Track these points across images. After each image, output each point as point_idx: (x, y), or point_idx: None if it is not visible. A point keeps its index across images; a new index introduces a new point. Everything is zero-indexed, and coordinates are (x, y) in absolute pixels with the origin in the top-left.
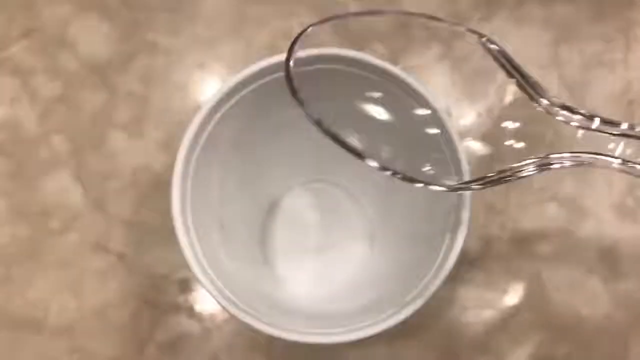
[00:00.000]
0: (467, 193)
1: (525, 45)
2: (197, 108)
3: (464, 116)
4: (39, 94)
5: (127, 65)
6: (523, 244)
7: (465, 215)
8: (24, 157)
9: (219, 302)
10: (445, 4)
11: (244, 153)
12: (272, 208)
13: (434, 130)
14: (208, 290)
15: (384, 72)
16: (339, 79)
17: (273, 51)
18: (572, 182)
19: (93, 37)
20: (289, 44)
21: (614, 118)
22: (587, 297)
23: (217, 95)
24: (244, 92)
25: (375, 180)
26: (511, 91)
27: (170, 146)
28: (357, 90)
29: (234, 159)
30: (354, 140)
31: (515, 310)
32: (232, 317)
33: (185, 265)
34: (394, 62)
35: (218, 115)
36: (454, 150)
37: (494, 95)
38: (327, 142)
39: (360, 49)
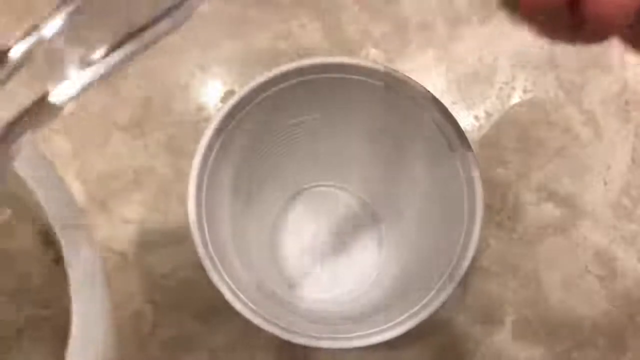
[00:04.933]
0: (480, 203)
1: (523, 46)
2: (199, 108)
3: (460, 120)
4: None
5: (129, 66)
6: (521, 243)
7: (477, 224)
8: None
9: (231, 302)
10: (444, 6)
11: (254, 159)
12: (282, 211)
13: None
14: (220, 288)
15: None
16: (333, 87)
17: (273, 53)
18: (570, 182)
19: None
20: (289, 46)
21: (609, 119)
22: (585, 296)
23: (231, 104)
24: (257, 100)
25: (384, 185)
26: (514, 94)
27: (172, 146)
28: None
29: (246, 164)
30: None
31: (514, 309)
32: (239, 317)
33: (187, 265)
34: (390, 65)
35: (232, 123)
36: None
37: (494, 98)
38: (337, 147)
39: (355, 54)
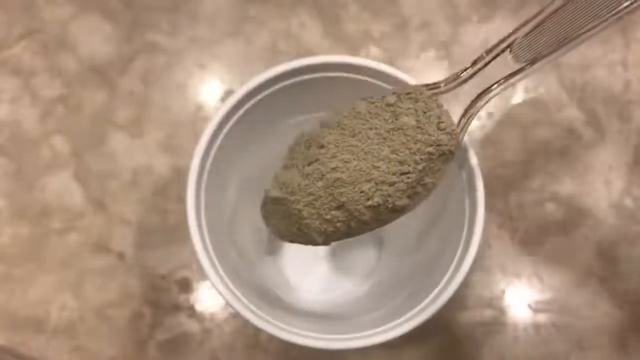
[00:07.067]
0: (481, 204)
1: None
2: (198, 108)
3: None
4: (39, 94)
5: (128, 65)
6: (522, 244)
7: (479, 227)
8: (24, 157)
9: (229, 303)
10: (445, 5)
11: (254, 158)
12: None
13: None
14: (219, 291)
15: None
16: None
17: (273, 51)
18: (571, 183)
19: (93, 38)
20: (289, 44)
21: (611, 119)
22: (587, 297)
23: (230, 103)
24: (256, 99)
25: None
26: (516, 94)
27: (170, 146)
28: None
29: (245, 164)
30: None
31: (515, 310)
32: (240, 318)
33: (186, 265)
34: (390, 64)
35: (231, 122)
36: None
37: (497, 97)
38: None
39: (355, 53)
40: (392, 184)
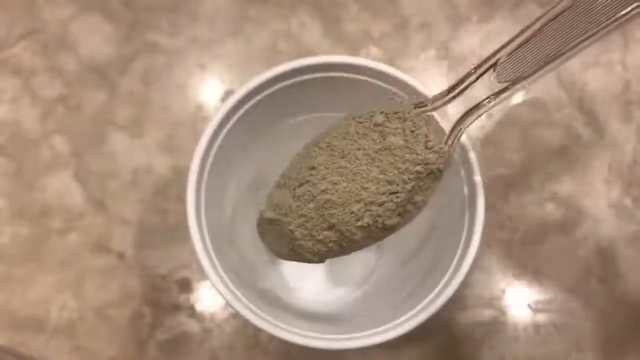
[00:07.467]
0: (481, 204)
1: None
2: (198, 108)
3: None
4: (39, 94)
5: (128, 65)
6: (522, 243)
7: (479, 227)
8: (24, 157)
9: (229, 303)
10: (444, 5)
11: (254, 158)
12: None
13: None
14: (219, 291)
15: (375, 73)
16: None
17: (273, 51)
18: (571, 183)
19: (94, 38)
20: (289, 44)
21: (611, 119)
22: (586, 297)
23: (230, 103)
24: (256, 99)
25: None
26: (515, 95)
27: (170, 146)
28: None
29: (245, 164)
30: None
31: (515, 310)
32: (240, 318)
33: (186, 265)
34: (390, 64)
35: (231, 122)
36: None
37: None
38: None
39: (355, 53)
40: (381, 204)
